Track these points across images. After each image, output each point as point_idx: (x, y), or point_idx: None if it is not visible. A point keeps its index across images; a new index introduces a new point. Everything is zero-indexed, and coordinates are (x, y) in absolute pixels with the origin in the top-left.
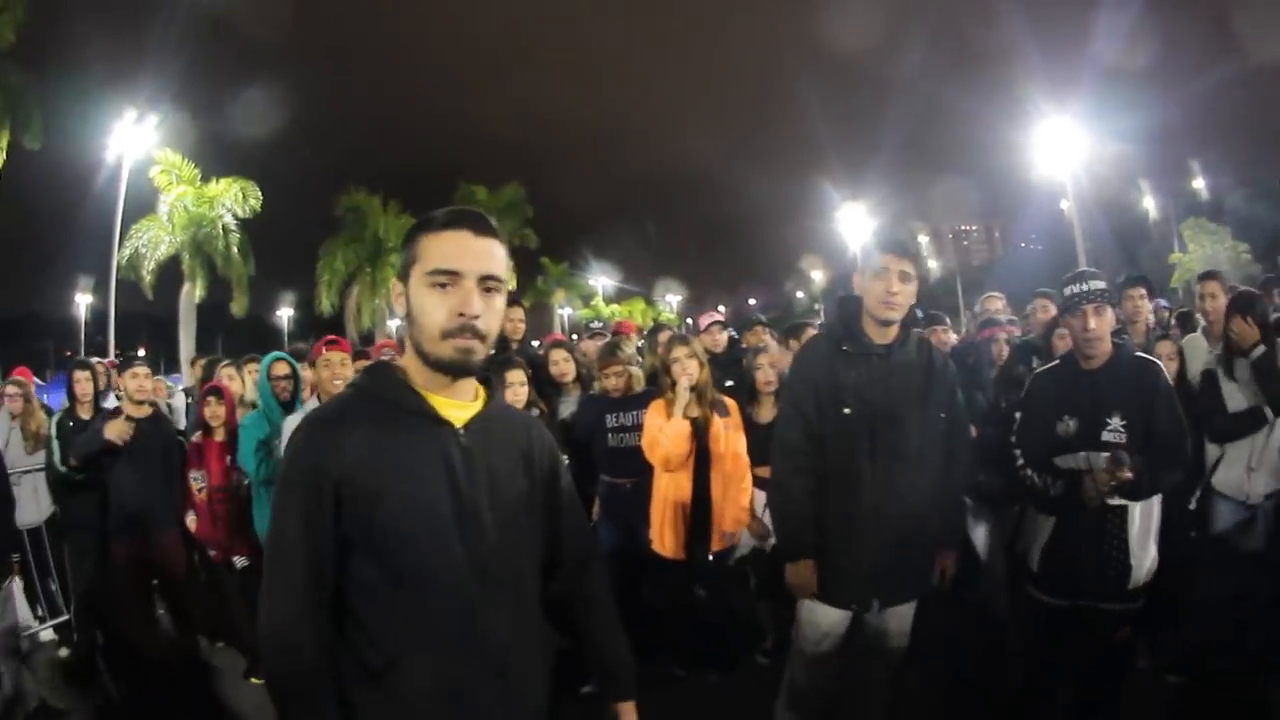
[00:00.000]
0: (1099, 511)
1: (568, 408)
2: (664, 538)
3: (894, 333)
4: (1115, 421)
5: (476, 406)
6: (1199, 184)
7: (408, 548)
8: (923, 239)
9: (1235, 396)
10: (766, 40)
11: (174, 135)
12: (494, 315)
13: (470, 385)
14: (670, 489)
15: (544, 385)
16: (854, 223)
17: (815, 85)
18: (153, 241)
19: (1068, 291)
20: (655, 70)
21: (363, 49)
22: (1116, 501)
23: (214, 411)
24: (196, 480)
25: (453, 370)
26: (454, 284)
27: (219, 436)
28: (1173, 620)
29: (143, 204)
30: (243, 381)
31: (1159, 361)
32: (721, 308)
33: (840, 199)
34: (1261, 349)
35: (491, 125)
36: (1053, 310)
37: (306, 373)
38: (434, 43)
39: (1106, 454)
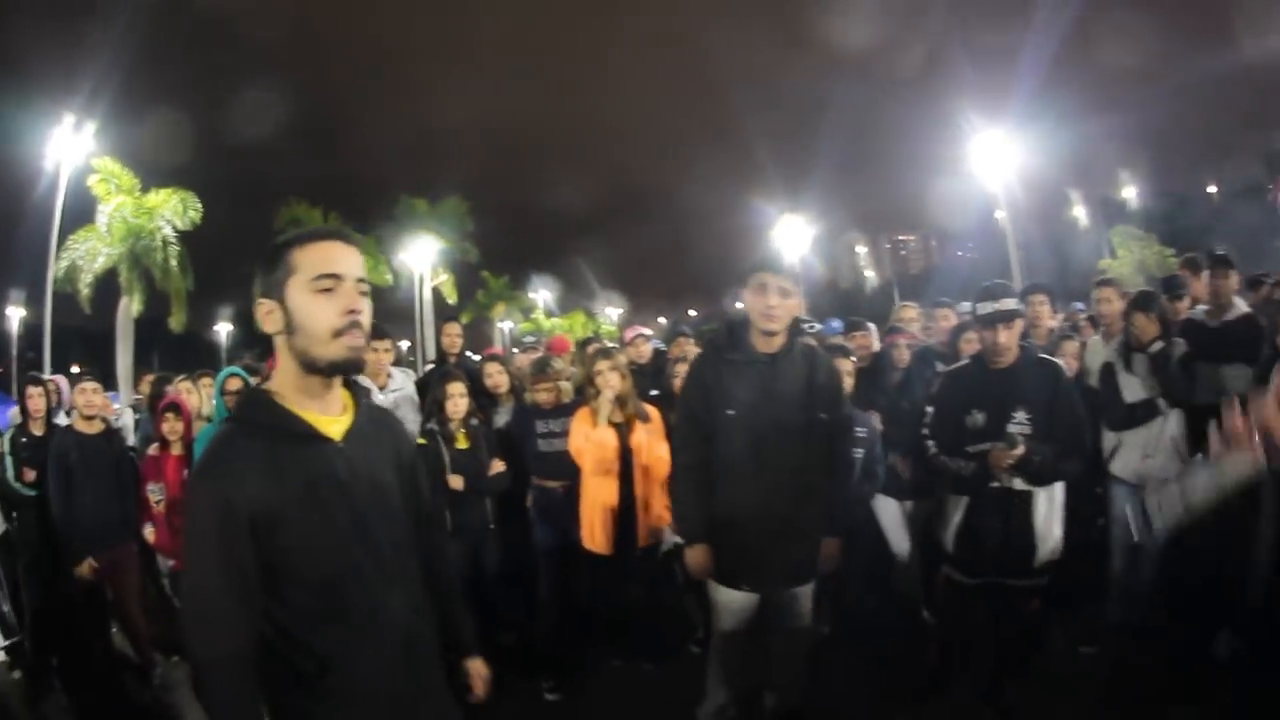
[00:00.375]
0: (1006, 496)
1: (502, 417)
2: (595, 536)
3: (779, 342)
4: (1020, 415)
5: (349, 419)
6: (1128, 193)
7: (316, 563)
8: (860, 249)
9: (1132, 388)
10: (709, 56)
11: (113, 143)
12: (368, 316)
13: (339, 397)
14: (599, 491)
15: (479, 396)
16: (793, 235)
17: (756, 100)
18: (90, 253)
19: (982, 310)
20: (600, 86)
21: (306, 61)
22: (1021, 486)
23: (172, 427)
24: (154, 493)
25: (344, 369)
26: (337, 286)
27: (176, 450)
28: (1085, 598)
29: (80, 214)
30: (199, 396)
31: (1059, 362)
32: (661, 319)
33: (779, 212)
34: (1159, 344)
35: (434, 139)
36: (954, 319)
37: None
38: (376, 54)
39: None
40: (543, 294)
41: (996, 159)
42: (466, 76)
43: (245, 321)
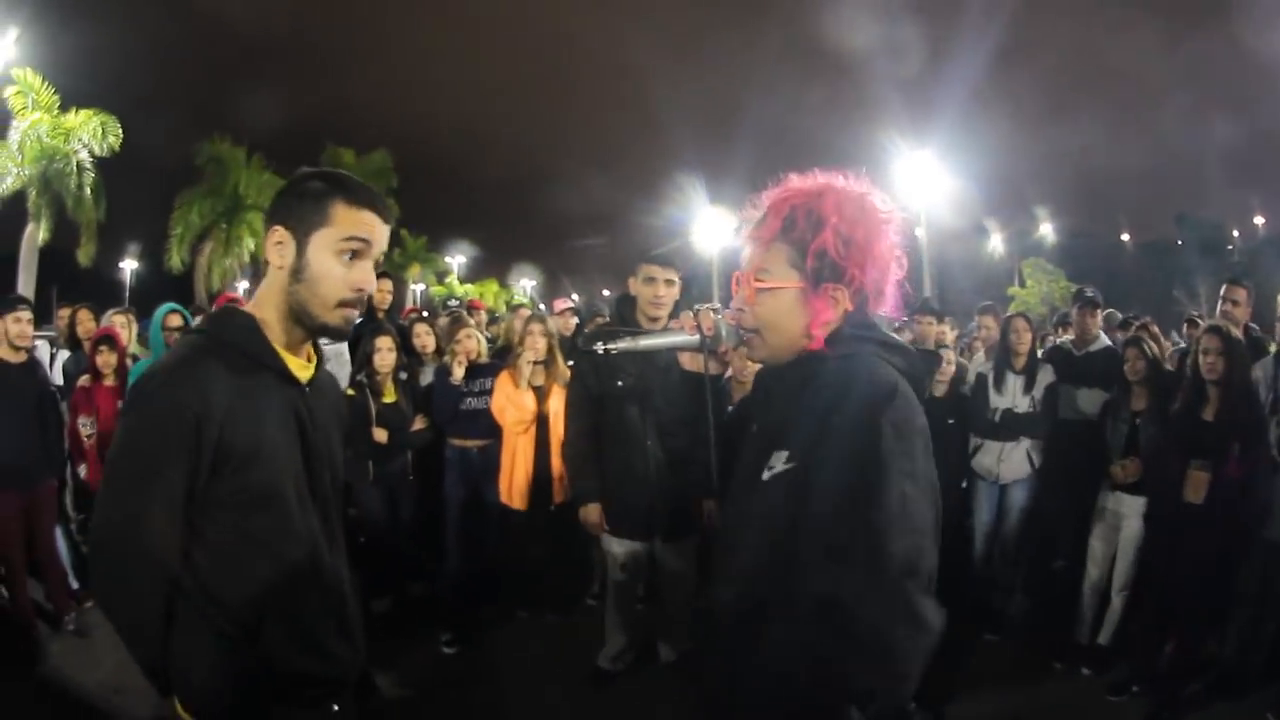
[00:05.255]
0: None
1: (426, 378)
2: (513, 492)
3: (661, 322)
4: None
5: (313, 369)
6: (1045, 229)
7: (274, 507)
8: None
9: (998, 401)
10: (626, 45)
11: (35, 54)
12: (372, 288)
13: (307, 345)
14: (518, 450)
15: (406, 355)
16: (710, 228)
17: (676, 90)
18: None
19: None
20: (540, 62)
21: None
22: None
23: (106, 359)
24: (85, 426)
25: (332, 335)
26: (363, 254)
27: (109, 382)
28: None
29: None
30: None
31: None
32: (575, 296)
33: (702, 204)
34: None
35: (364, 91)
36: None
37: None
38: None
39: None
40: (458, 259)
41: (921, 180)
42: (403, 33)
43: (152, 259)
